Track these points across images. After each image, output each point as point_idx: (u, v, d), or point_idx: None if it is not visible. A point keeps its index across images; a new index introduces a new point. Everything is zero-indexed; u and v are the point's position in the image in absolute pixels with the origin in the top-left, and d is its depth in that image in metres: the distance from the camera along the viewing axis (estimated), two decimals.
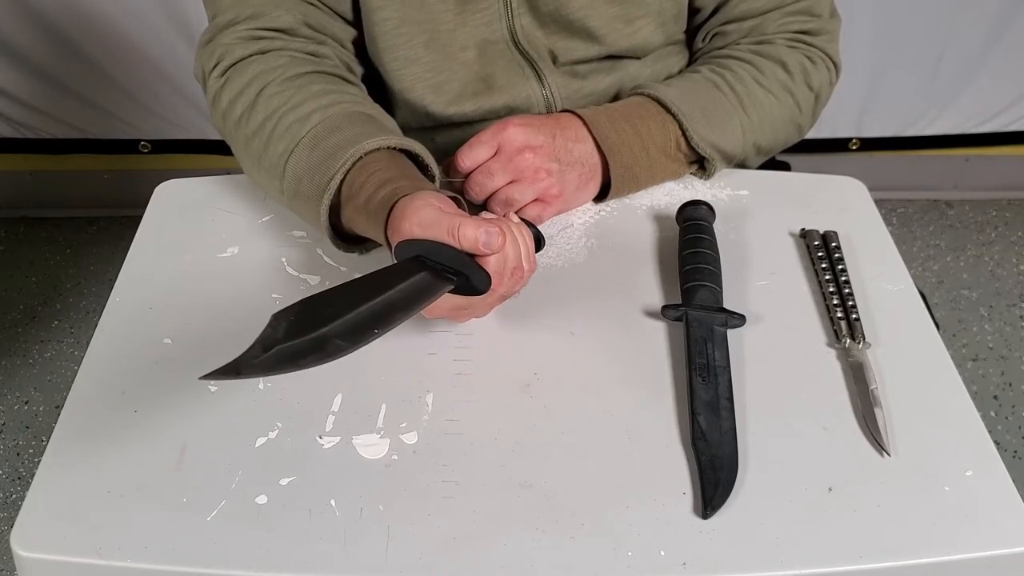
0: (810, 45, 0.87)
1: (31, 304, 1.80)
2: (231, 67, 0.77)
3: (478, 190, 0.76)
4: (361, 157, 0.69)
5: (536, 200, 0.76)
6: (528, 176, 0.75)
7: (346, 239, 0.73)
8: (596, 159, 0.78)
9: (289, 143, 0.72)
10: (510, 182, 0.75)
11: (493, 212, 0.75)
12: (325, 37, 0.81)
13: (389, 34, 0.83)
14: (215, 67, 0.78)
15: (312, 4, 0.80)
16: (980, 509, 0.57)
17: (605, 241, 0.77)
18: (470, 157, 0.75)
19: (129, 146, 1.87)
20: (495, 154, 0.75)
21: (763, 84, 0.83)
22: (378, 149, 0.70)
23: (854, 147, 1.91)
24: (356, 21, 0.85)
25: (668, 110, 0.80)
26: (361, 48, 0.86)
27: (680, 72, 0.91)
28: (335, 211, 0.71)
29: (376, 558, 0.54)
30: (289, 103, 0.73)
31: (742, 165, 0.87)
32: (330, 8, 0.82)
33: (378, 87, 0.88)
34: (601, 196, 0.82)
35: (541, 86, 0.85)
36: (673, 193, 0.82)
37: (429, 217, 0.61)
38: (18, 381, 1.65)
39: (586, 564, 0.54)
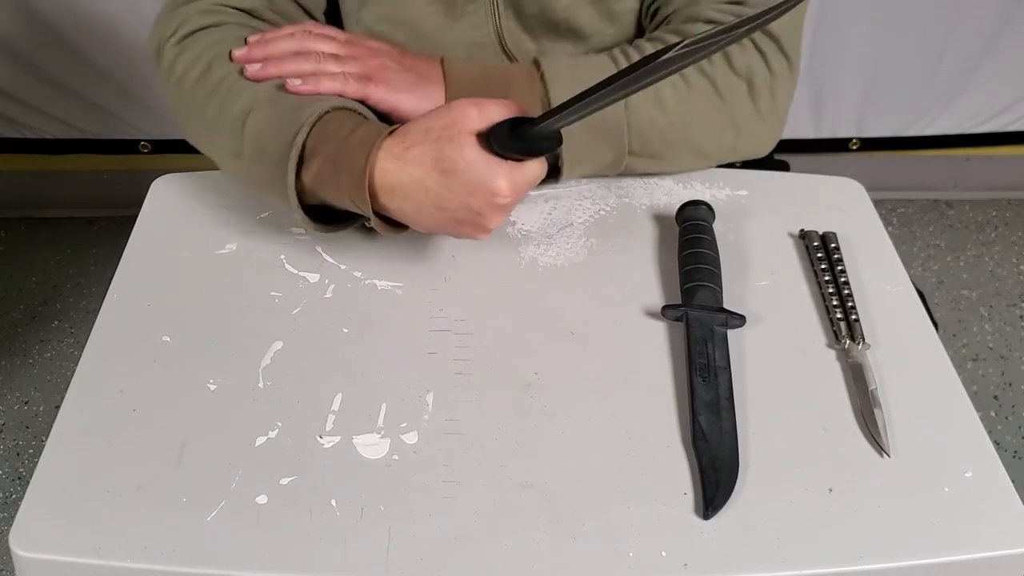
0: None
1: (31, 304, 1.80)
2: (188, 35, 0.76)
3: (293, 44, 0.73)
4: (329, 111, 0.68)
5: (362, 76, 0.73)
6: (361, 56, 0.74)
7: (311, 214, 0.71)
8: (441, 81, 0.75)
9: (248, 100, 0.70)
10: (336, 55, 0.73)
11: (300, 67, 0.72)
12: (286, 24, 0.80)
13: (371, 35, 0.82)
14: (172, 35, 0.76)
15: None
16: (980, 510, 0.57)
17: (605, 241, 0.77)
18: (299, 26, 0.74)
19: (129, 146, 1.86)
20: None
21: None
22: (342, 108, 0.69)
23: (854, 147, 1.91)
24: (336, 22, 0.84)
25: (539, 69, 0.75)
26: None
27: None
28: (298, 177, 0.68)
29: (377, 558, 0.54)
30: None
31: (651, 163, 0.79)
32: (296, 1, 0.81)
33: None
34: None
35: None
36: (673, 193, 0.82)
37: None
38: (18, 381, 1.64)
39: (586, 564, 0.54)
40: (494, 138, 0.63)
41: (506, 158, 0.64)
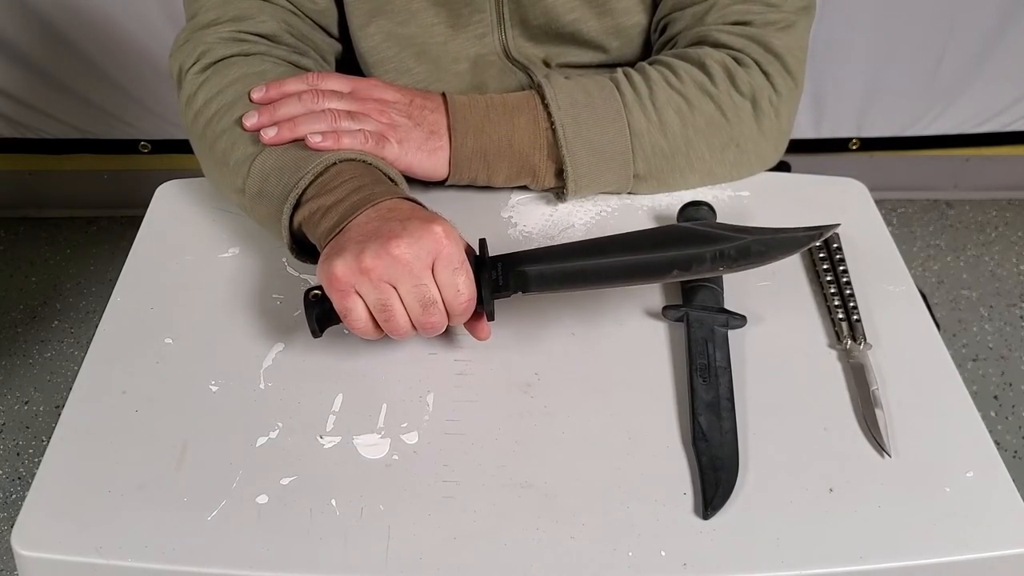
0: (748, 38, 0.77)
1: (31, 304, 1.80)
2: (212, 65, 0.76)
3: (302, 108, 0.71)
4: (336, 163, 0.68)
5: (378, 135, 0.72)
6: (372, 112, 0.73)
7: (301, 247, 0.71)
8: (446, 132, 0.75)
9: (258, 145, 0.70)
10: (349, 112, 0.72)
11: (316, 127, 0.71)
12: (307, 48, 0.81)
13: (377, 48, 0.83)
14: (195, 64, 0.76)
15: (295, 13, 0.80)
16: (981, 510, 0.57)
17: None
18: (306, 79, 0.73)
19: (129, 146, 1.86)
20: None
21: (673, 85, 0.76)
22: (353, 160, 0.69)
23: (854, 147, 1.91)
24: (344, 38, 0.84)
25: (544, 100, 0.75)
26: (349, 66, 0.86)
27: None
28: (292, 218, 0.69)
29: (376, 558, 0.54)
30: None
31: (656, 185, 0.79)
32: (313, 20, 0.81)
33: None
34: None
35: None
36: (674, 193, 0.82)
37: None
38: (18, 381, 1.65)
39: (586, 564, 0.54)
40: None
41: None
